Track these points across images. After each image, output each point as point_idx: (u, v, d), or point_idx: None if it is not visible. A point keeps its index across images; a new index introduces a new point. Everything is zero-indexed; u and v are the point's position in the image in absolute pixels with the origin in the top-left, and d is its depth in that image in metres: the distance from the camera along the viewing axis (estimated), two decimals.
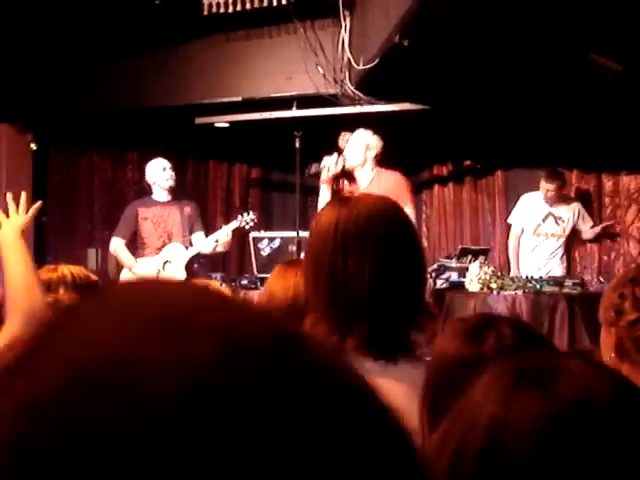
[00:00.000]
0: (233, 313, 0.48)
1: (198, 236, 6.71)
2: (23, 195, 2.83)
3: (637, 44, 5.22)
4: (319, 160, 6.14)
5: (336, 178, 6.17)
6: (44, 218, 7.97)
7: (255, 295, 6.58)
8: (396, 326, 1.66)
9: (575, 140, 7.52)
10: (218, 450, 0.41)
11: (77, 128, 8.12)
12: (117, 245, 6.75)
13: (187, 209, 6.74)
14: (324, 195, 6.10)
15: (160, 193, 6.76)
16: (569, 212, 7.31)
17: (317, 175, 6.19)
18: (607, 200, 7.93)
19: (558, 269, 7.06)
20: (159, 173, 6.68)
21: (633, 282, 1.80)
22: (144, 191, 7.22)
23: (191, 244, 6.64)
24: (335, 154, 6.08)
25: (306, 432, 0.43)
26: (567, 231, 7.28)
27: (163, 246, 6.60)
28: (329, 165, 6.04)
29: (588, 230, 7.42)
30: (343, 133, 6.15)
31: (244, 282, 6.97)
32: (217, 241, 6.56)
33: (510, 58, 5.65)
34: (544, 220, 7.25)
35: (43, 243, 8.26)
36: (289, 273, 2.41)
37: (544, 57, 5.58)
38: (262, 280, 6.73)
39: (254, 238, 6.97)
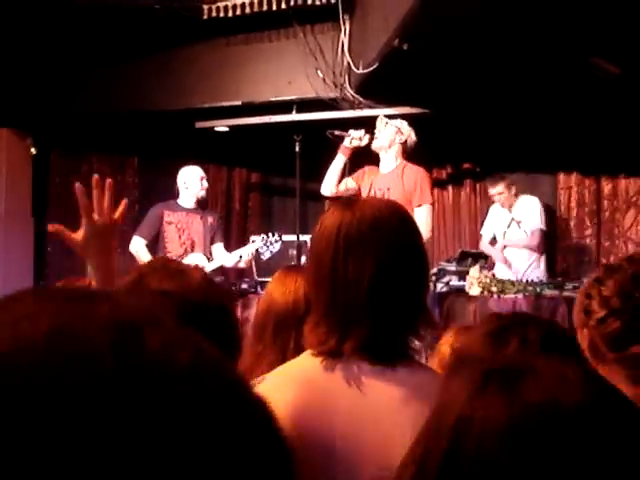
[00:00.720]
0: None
1: (218, 247, 6.69)
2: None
3: (636, 47, 5.23)
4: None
5: (354, 155, 6.14)
6: (45, 222, 7.98)
7: (255, 300, 6.59)
8: (394, 332, 1.67)
9: (574, 143, 7.53)
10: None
11: (77, 132, 8.12)
12: (139, 245, 6.61)
13: (210, 219, 6.70)
14: (336, 165, 6.13)
15: (188, 200, 6.68)
16: (529, 212, 7.29)
17: (338, 138, 6.17)
18: (606, 203, 7.94)
19: (535, 272, 7.01)
20: (196, 181, 6.64)
21: (598, 282, 1.83)
22: (145, 195, 7.22)
23: (211, 255, 6.63)
24: (363, 129, 6.08)
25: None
26: (535, 231, 7.24)
27: (184, 253, 6.54)
28: (354, 136, 6.05)
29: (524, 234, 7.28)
30: (382, 115, 6.15)
31: (244, 286, 6.97)
32: (241, 257, 6.54)
33: (509, 61, 5.66)
34: (508, 226, 7.30)
35: (43, 248, 8.27)
36: (289, 278, 2.42)
37: (543, 60, 5.59)
38: (262, 284, 6.73)
39: (254, 242, 6.97)
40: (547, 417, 0.81)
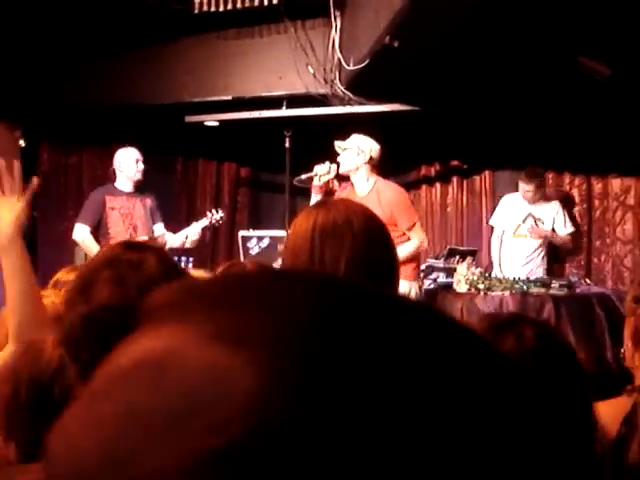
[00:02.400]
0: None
1: (158, 227, 6.73)
2: (17, 166, 2.27)
3: (626, 48, 5.26)
4: (310, 169, 6.15)
5: (328, 186, 6.14)
6: (34, 213, 7.96)
7: None
8: None
9: (564, 142, 7.56)
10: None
11: (67, 125, 8.10)
12: (84, 233, 6.52)
13: (148, 201, 6.70)
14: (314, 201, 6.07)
15: (124, 183, 6.64)
16: (550, 213, 7.33)
17: (307, 182, 6.17)
18: (596, 202, 7.97)
19: (538, 270, 7.06)
20: (131, 164, 6.59)
21: None
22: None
23: (153, 235, 6.62)
24: (327, 162, 6.03)
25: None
26: (549, 232, 7.29)
27: (130, 238, 6.51)
28: (321, 173, 6.00)
29: (561, 235, 7.37)
30: (336, 142, 6.03)
31: None
32: (187, 237, 6.57)
33: (499, 60, 5.68)
34: (524, 221, 7.27)
35: (33, 239, 8.25)
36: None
37: (533, 59, 5.61)
38: None
39: (243, 237, 6.98)
40: None
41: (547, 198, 7.41)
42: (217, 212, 6.84)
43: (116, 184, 6.68)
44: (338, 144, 5.95)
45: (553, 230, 7.31)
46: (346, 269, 1.73)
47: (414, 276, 5.80)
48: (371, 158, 5.90)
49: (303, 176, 6.17)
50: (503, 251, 7.34)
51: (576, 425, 0.90)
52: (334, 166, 5.99)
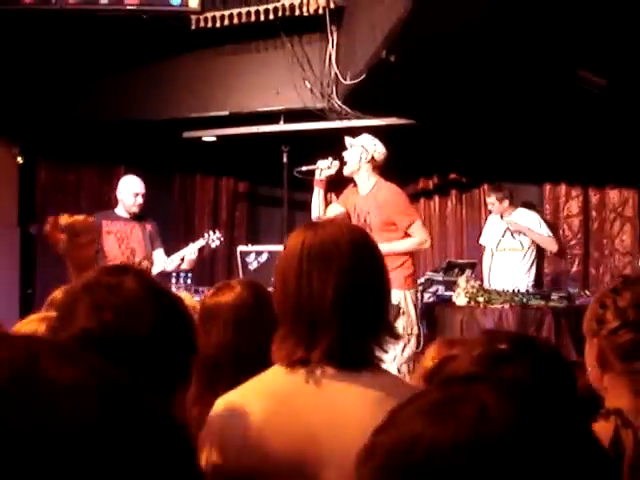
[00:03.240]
0: None
1: (159, 253, 6.69)
2: None
3: (621, 59, 5.27)
4: (308, 184, 6.15)
5: (329, 182, 6.13)
6: (32, 230, 7.96)
7: None
8: (359, 341, 1.76)
9: (561, 154, 7.57)
10: None
11: (64, 141, 8.11)
12: None
13: (148, 227, 6.67)
14: (316, 198, 6.07)
15: (122, 210, 6.67)
16: (527, 224, 7.34)
17: (308, 174, 6.15)
18: (594, 214, 7.98)
19: (522, 283, 7.04)
20: (129, 197, 6.57)
21: (615, 292, 1.84)
22: None
23: (152, 261, 6.62)
24: (330, 157, 6.04)
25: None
26: (526, 244, 7.32)
27: (127, 261, 6.53)
28: (322, 167, 6.02)
29: (540, 232, 7.40)
30: (347, 137, 6.05)
31: None
32: (183, 259, 6.55)
33: (496, 73, 5.69)
34: (503, 235, 7.37)
35: (31, 255, 8.24)
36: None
37: (530, 72, 5.62)
38: None
39: (241, 252, 6.97)
40: (468, 453, 0.79)
41: (522, 210, 7.45)
42: (214, 232, 6.81)
43: (116, 209, 6.70)
44: (347, 140, 5.99)
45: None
46: (334, 291, 1.73)
47: (408, 284, 5.72)
48: (373, 159, 5.91)
49: (304, 168, 6.16)
50: (493, 267, 7.40)
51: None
52: (336, 162, 6.00)
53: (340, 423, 1.68)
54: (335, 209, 6.05)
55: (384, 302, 1.87)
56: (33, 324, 2.33)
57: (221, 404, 1.78)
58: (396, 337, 1.86)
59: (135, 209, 6.60)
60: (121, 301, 1.57)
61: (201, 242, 6.70)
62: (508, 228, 7.33)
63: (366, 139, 5.99)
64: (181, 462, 0.58)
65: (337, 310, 1.73)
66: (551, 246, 7.49)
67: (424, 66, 5.57)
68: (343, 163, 5.96)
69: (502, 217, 7.35)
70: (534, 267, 7.40)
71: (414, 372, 2.64)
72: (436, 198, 8.47)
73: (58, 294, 3.04)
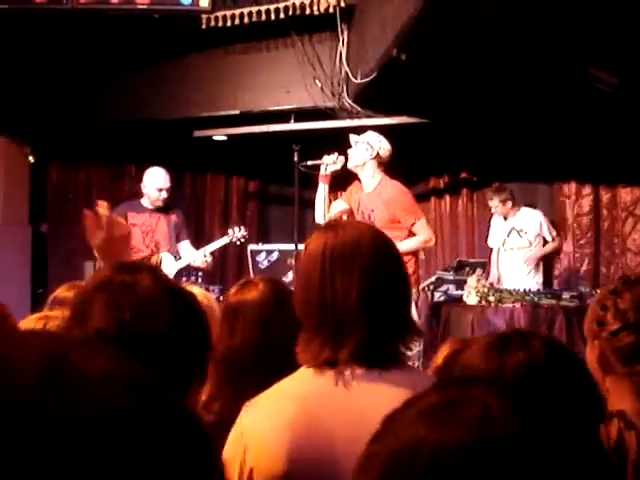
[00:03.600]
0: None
1: (184, 245, 6.58)
2: None
3: (633, 58, 5.25)
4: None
5: (334, 178, 6.12)
6: (42, 228, 7.98)
7: None
8: (385, 339, 1.76)
9: (572, 153, 7.55)
10: None
11: (75, 141, 8.13)
12: None
13: (173, 217, 6.58)
14: (321, 193, 6.07)
15: (147, 202, 6.58)
16: (532, 222, 7.37)
17: (313, 168, 6.14)
18: (605, 213, 7.95)
19: (531, 282, 7.04)
20: (153, 192, 6.49)
21: (615, 294, 1.83)
22: None
23: (178, 253, 6.56)
24: (335, 153, 6.04)
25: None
26: (533, 243, 7.33)
27: (151, 255, 6.46)
28: (328, 162, 6.02)
29: (549, 244, 7.46)
30: (351, 135, 6.06)
31: None
32: (206, 255, 6.49)
33: (507, 71, 5.68)
34: (509, 235, 7.37)
35: (43, 255, 8.28)
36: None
37: (542, 70, 5.61)
38: None
39: (252, 251, 6.98)
40: (473, 454, 0.78)
41: (526, 209, 7.46)
42: (240, 230, 6.68)
43: (142, 201, 6.61)
44: (352, 137, 5.99)
45: (543, 240, 7.37)
46: (359, 291, 1.74)
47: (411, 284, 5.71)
48: (378, 155, 5.92)
49: (310, 162, 6.17)
50: (500, 267, 7.43)
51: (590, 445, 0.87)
52: (341, 158, 6.00)
53: (373, 423, 1.65)
54: (339, 205, 6.05)
55: (407, 300, 1.88)
56: (31, 323, 2.33)
57: (251, 407, 1.77)
58: (420, 335, 1.87)
59: (159, 203, 6.53)
60: (138, 299, 1.57)
61: (225, 239, 6.63)
62: (513, 227, 7.34)
63: (371, 136, 6.00)
64: (202, 455, 0.59)
65: (362, 310, 1.73)
66: (556, 251, 7.59)
67: (435, 65, 5.56)
68: (348, 159, 5.98)
69: (506, 219, 7.37)
70: (541, 264, 7.41)
71: (426, 370, 2.64)
72: (447, 197, 8.46)
73: (61, 292, 3.05)
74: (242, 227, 6.73)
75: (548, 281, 7.56)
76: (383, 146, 5.95)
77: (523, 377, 1.47)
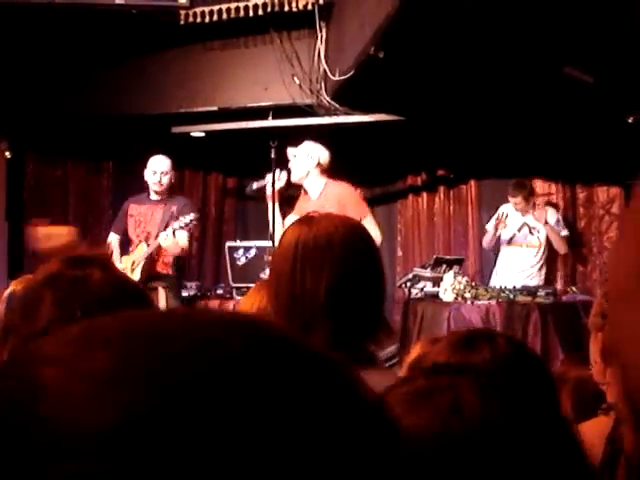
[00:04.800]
0: (201, 316, 0.51)
1: (164, 233, 6.23)
2: None
3: (608, 57, 5.30)
4: (263, 177, 6.22)
5: (282, 192, 6.16)
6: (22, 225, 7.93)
7: (230, 305, 6.60)
8: (353, 338, 1.74)
9: (549, 151, 7.60)
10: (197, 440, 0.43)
11: (52, 136, 8.09)
12: (112, 241, 6.60)
13: (174, 207, 6.36)
14: (271, 212, 6.11)
15: (153, 193, 6.53)
16: (544, 221, 7.24)
17: (259, 190, 6.23)
18: (581, 211, 8.01)
19: (535, 280, 7.04)
20: (149, 175, 6.46)
21: None
22: (119, 200, 7.21)
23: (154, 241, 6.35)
24: (277, 169, 6.10)
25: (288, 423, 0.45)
26: (543, 241, 7.22)
27: (138, 244, 6.41)
28: (271, 181, 6.05)
29: (561, 234, 7.31)
30: (289, 148, 6.11)
31: (219, 292, 6.99)
32: (168, 234, 6.14)
33: (484, 70, 5.72)
34: (519, 230, 7.27)
35: (20, 250, 8.23)
36: (259, 292, 2.43)
37: (518, 69, 5.65)
38: (238, 289, 6.75)
39: (230, 247, 6.98)
40: (436, 447, 0.80)
41: (541, 207, 7.36)
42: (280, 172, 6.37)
43: (150, 193, 6.55)
44: (290, 150, 6.04)
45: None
46: (327, 285, 1.73)
47: None
48: (319, 163, 6.02)
49: (254, 186, 6.25)
50: (499, 261, 7.33)
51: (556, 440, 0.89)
52: (284, 173, 6.06)
53: None
54: (292, 220, 6.00)
55: (379, 298, 1.85)
56: None
57: None
58: (391, 334, 1.86)
59: (156, 188, 6.44)
60: (88, 296, 1.50)
61: (176, 225, 6.18)
62: (526, 223, 7.21)
63: (309, 146, 6.10)
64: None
65: (330, 306, 1.71)
66: (562, 248, 7.32)
67: (412, 63, 5.59)
68: (290, 174, 6.04)
69: (523, 215, 7.21)
70: (545, 265, 7.28)
71: (399, 369, 2.63)
72: (424, 194, 8.49)
73: (16, 286, 3.00)
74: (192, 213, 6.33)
75: (548, 281, 7.35)
76: (322, 154, 6.06)
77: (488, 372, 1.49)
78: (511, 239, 7.26)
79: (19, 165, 8.33)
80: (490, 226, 7.40)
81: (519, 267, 7.17)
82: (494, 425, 0.83)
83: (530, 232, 7.22)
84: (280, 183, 6.08)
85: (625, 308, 0.63)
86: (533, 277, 7.11)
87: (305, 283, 1.74)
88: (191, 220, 6.17)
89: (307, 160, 6.01)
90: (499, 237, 7.32)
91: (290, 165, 6.07)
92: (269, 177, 6.08)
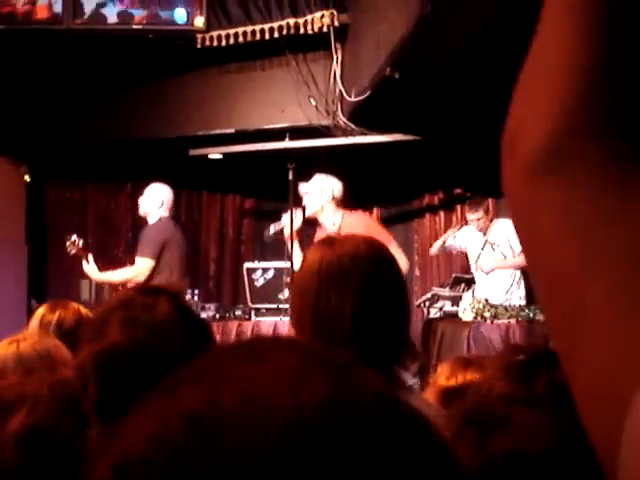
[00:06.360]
0: (338, 371, 0.53)
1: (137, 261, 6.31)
2: None
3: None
4: (279, 219, 6.21)
5: (301, 232, 6.11)
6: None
7: (249, 326, 6.62)
8: (379, 362, 1.70)
9: None
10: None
11: (72, 160, 8.16)
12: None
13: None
14: (294, 251, 5.95)
15: None
16: (504, 234, 6.89)
17: (278, 234, 6.23)
18: None
19: (515, 295, 6.80)
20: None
21: None
22: (138, 223, 7.25)
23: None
24: (293, 209, 6.04)
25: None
26: (509, 254, 6.87)
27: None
28: (288, 222, 5.98)
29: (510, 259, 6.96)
30: (300, 185, 6.07)
31: (238, 313, 6.99)
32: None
33: (499, 89, 5.72)
34: (483, 248, 7.03)
35: (40, 274, 8.28)
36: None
37: None
38: (256, 310, 6.76)
39: (248, 269, 6.99)
40: (513, 466, 0.81)
41: (504, 223, 6.98)
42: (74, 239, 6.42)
43: None
44: (301, 187, 6.02)
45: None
46: (353, 305, 1.71)
47: None
48: (334, 197, 5.99)
49: (272, 230, 6.25)
50: (477, 283, 7.02)
51: None
52: (299, 212, 6.01)
53: None
54: None
55: (403, 319, 1.82)
56: (3, 348, 2.32)
57: None
58: (416, 357, 1.83)
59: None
60: (154, 320, 1.63)
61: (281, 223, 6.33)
62: (487, 240, 6.98)
63: (320, 180, 6.06)
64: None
65: (355, 328, 1.69)
66: (517, 268, 6.89)
67: (428, 83, 5.61)
68: (305, 210, 6.01)
69: (480, 232, 7.03)
70: (522, 281, 6.91)
71: (426, 390, 2.57)
72: (441, 213, 8.49)
73: (46, 313, 3.10)
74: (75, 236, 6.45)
75: (530, 297, 7.23)
76: (335, 187, 6.02)
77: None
78: (476, 261, 7.03)
79: (39, 189, 8.40)
80: (449, 239, 7.29)
81: (495, 286, 6.84)
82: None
83: (492, 248, 6.96)
84: (297, 222, 6.02)
85: None
86: (513, 293, 6.87)
87: (330, 303, 1.71)
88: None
89: (320, 196, 5.97)
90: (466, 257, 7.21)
91: (304, 202, 6.04)
92: (285, 218, 6.06)
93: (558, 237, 0.59)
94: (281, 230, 6.17)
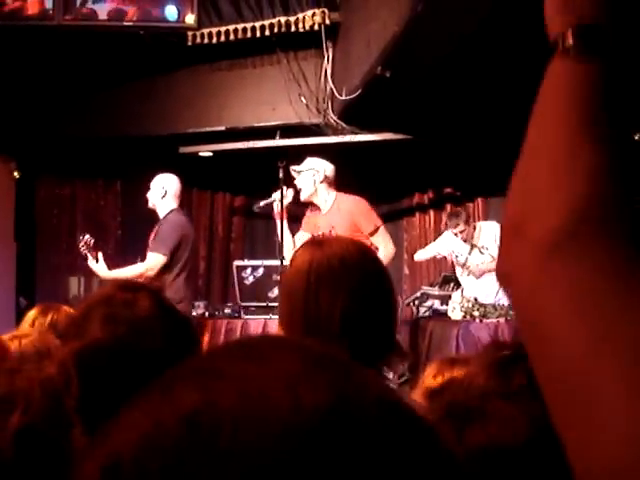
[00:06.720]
0: (342, 373, 0.53)
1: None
2: None
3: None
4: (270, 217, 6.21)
5: (290, 209, 6.13)
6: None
7: (239, 324, 6.61)
8: (367, 362, 1.69)
9: None
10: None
11: (61, 157, 8.14)
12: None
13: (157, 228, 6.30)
14: (280, 230, 5.99)
15: None
16: (491, 235, 6.89)
17: (267, 208, 6.22)
18: None
19: (504, 299, 6.75)
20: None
21: None
22: (128, 220, 7.23)
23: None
24: (284, 187, 6.07)
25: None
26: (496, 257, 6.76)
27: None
28: (279, 198, 6.03)
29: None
30: (292, 167, 6.07)
31: (227, 311, 6.98)
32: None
33: (490, 88, 5.74)
34: (470, 253, 6.98)
35: (29, 271, 8.25)
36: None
37: (523, 87, 5.66)
38: (246, 309, 6.75)
39: (237, 267, 6.98)
40: (488, 458, 0.81)
41: (489, 225, 7.05)
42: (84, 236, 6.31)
43: None
44: (293, 168, 6.03)
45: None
46: (343, 305, 1.72)
47: None
48: (326, 177, 5.97)
49: (262, 203, 6.23)
50: (466, 288, 6.95)
51: None
52: (290, 190, 6.03)
53: None
54: (303, 238, 5.99)
55: (392, 319, 1.84)
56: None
57: None
58: (403, 358, 1.84)
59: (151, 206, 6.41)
60: (134, 316, 1.62)
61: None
62: (474, 245, 6.94)
63: (312, 162, 6.05)
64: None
65: (345, 329, 1.70)
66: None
67: (419, 82, 5.61)
68: (297, 191, 6.00)
69: (466, 241, 6.96)
70: None
71: (413, 390, 2.58)
72: (431, 212, 8.51)
73: (35, 314, 3.11)
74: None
75: None
76: (327, 167, 6.01)
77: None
78: (464, 264, 6.98)
79: (29, 186, 8.37)
80: (429, 248, 7.32)
81: (485, 290, 6.67)
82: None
83: (480, 252, 6.91)
84: (287, 200, 6.07)
85: None
86: (502, 294, 6.76)
87: (320, 303, 1.72)
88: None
89: (313, 175, 5.98)
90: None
91: (296, 183, 6.05)
92: (276, 194, 6.07)
93: (567, 315, 0.60)
94: (270, 204, 6.15)
